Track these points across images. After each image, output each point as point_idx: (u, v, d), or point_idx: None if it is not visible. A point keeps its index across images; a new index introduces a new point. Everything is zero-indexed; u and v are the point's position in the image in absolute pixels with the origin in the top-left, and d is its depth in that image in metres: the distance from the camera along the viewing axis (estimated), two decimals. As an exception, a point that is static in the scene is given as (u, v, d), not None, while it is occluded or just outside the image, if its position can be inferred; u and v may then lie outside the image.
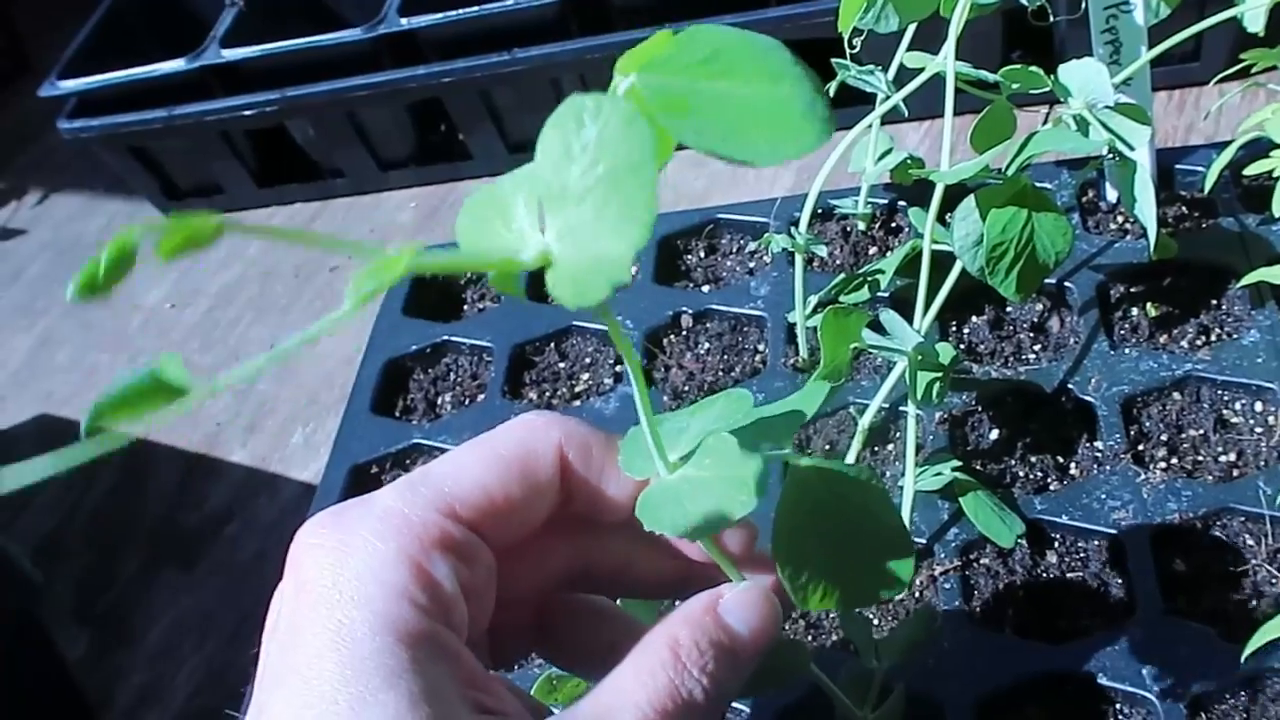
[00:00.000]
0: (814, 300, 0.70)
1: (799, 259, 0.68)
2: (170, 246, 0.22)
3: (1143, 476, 0.59)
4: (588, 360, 0.78)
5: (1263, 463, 0.60)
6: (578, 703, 0.33)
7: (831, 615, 0.59)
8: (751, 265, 0.81)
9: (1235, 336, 0.65)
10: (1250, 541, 0.57)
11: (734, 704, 0.57)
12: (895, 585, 0.38)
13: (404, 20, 0.96)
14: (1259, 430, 0.61)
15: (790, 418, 0.39)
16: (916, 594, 0.59)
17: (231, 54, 1.02)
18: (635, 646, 0.35)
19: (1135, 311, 0.68)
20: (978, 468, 0.64)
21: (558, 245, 0.25)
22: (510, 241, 0.26)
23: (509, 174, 0.28)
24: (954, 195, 0.57)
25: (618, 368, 0.77)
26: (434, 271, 0.25)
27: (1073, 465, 0.63)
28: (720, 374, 0.73)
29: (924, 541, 0.60)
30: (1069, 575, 0.59)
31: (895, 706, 0.50)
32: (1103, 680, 0.53)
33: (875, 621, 0.59)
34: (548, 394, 0.77)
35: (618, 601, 0.58)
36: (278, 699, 0.30)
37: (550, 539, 0.39)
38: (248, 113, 1.03)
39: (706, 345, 0.76)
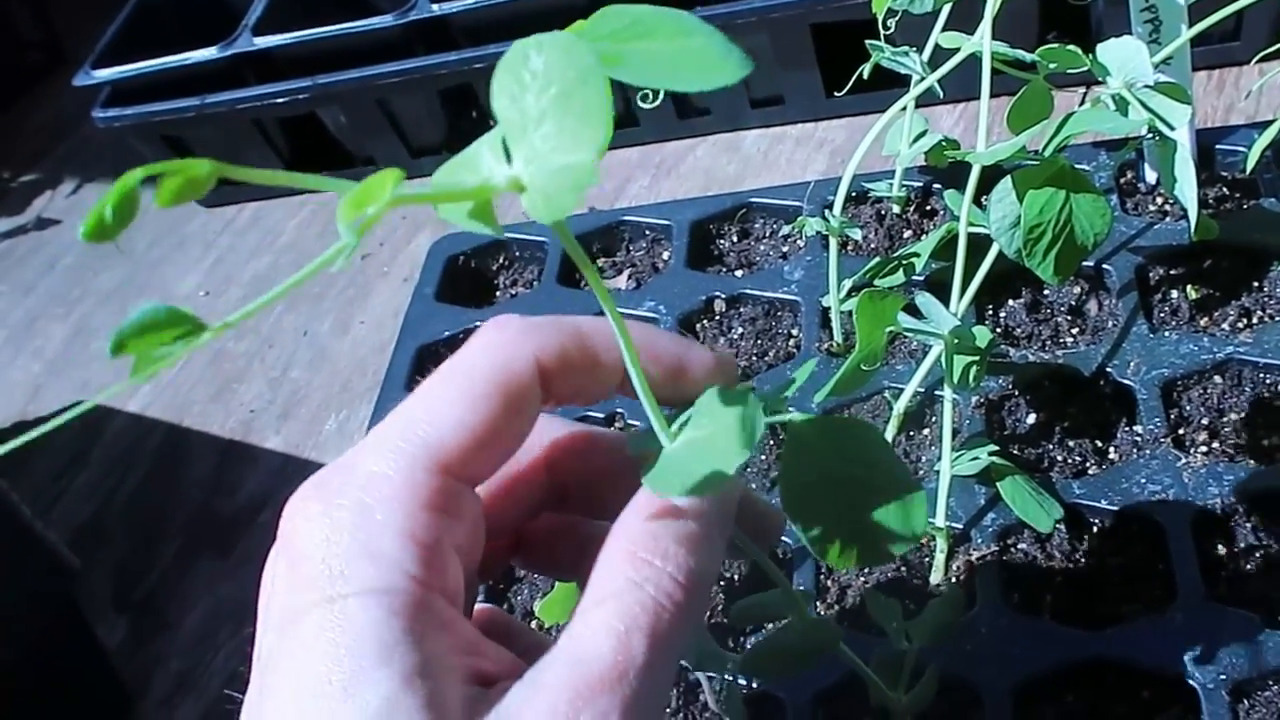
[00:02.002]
0: (848, 284, 0.70)
1: (833, 242, 0.68)
2: (167, 193, 0.23)
3: (1183, 460, 0.59)
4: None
5: (1306, 446, 0.59)
6: (555, 646, 0.32)
7: (860, 599, 0.59)
8: (785, 249, 0.80)
9: (1277, 319, 0.64)
10: (1294, 526, 0.56)
11: (770, 689, 0.57)
12: (909, 532, 0.37)
13: (435, 6, 0.96)
14: (1302, 413, 0.60)
15: (780, 385, 0.40)
16: (955, 578, 0.59)
17: (263, 42, 1.02)
18: (597, 560, 0.33)
19: (1175, 294, 0.67)
20: (1015, 452, 0.63)
21: (525, 169, 0.26)
22: (480, 180, 0.28)
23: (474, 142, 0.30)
24: (990, 177, 0.56)
25: (650, 353, 0.76)
26: (412, 202, 0.26)
27: (1112, 449, 0.62)
28: (754, 359, 0.73)
29: (960, 527, 0.59)
30: (1108, 561, 0.58)
31: (927, 688, 0.50)
32: (1143, 667, 0.53)
33: (910, 605, 0.59)
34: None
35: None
36: (274, 681, 0.30)
37: (531, 468, 0.38)
38: (280, 100, 1.03)
39: (740, 330, 0.76)
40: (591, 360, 0.35)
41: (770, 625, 0.57)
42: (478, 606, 0.41)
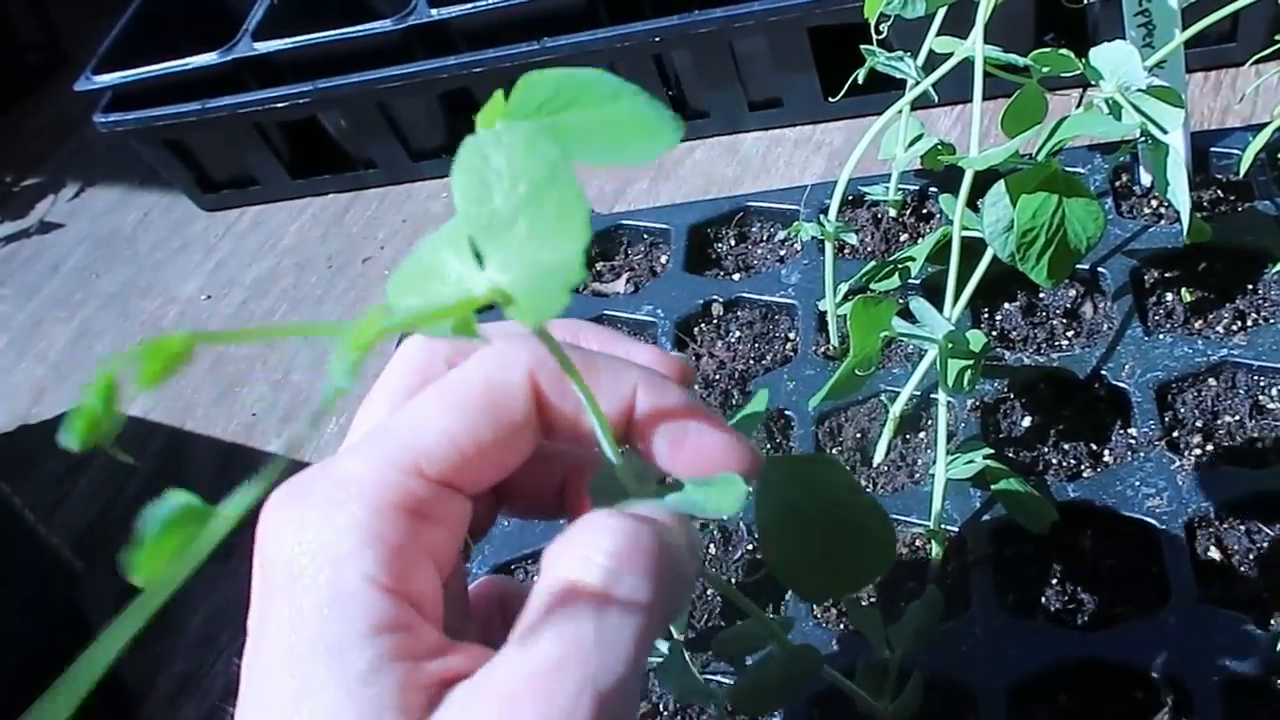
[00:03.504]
0: (845, 288, 0.70)
1: (829, 246, 0.68)
2: (149, 375, 0.23)
3: (1177, 463, 0.59)
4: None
5: (1299, 448, 0.59)
6: (503, 648, 0.30)
7: (841, 609, 0.59)
8: (782, 253, 0.80)
9: (1271, 321, 0.64)
10: (1286, 528, 0.57)
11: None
12: (877, 568, 0.38)
13: (434, 11, 0.96)
14: (1296, 416, 0.61)
15: (747, 421, 0.40)
16: (950, 580, 0.59)
17: (264, 46, 1.02)
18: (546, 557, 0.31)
19: (1170, 296, 0.67)
20: (1010, 455, 0.63)
21: (506, 275, 0.25)
22: (455, 291, 0.27)
23: (421, 243, 0.29)
24: (985, 181, 0.56)
25: (649, 356, 0.77)
26: (400, 330, 0.25)
27: (1106, 452, 0.62)
28: (751, 362, 0.73)
29: (956, 529, 0.60)
30: (1102, 562, 0.58)
31: (913, 694, 0.50)
32: (1136, 668, 0.53)
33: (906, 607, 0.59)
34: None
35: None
36: (246, 692, 0.30)
37: (530, 472, 0.36)
38: (280, 105, 1.03)
39: (737, 334, 0.76)
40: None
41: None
42: (485, 579, 0.40)
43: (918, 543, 0.61)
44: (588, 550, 0.30)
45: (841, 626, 0.59)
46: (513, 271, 0.25)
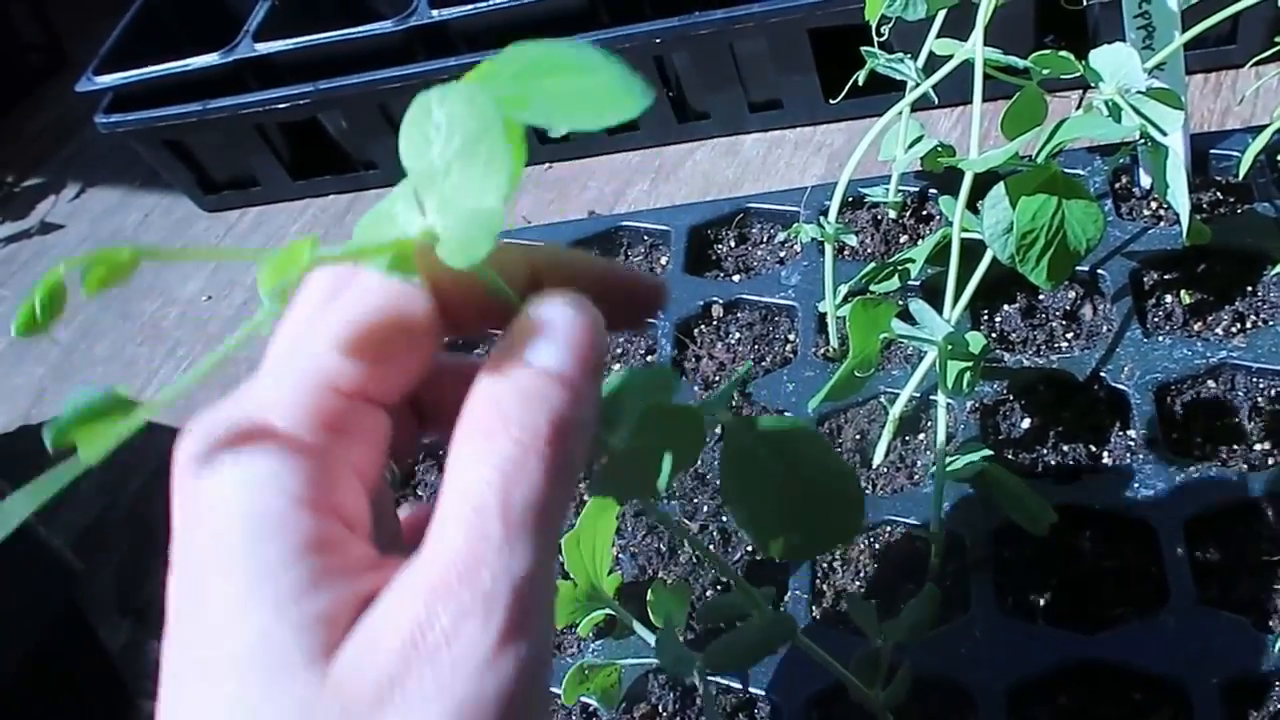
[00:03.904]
0: (845, 289, 0.70)
1: (829, 248, 0.68)
2: (94, 280, 0.24)
3: (1176, 465, 0.59)
4: (619, 351, 0.79)
5: (1299, 450, 0.59)
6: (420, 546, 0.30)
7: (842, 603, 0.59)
8: (782, 254, 0.80)
9: (1270, 323, 0.64)
10: (1285, 530, 0.57)
11: (764, 695, 0.57)
12: (847, 528, 0.38)
13: (435, 12, 0.96)
14: (1295, 418, 0.61)
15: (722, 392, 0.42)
16: (949, 581, 0.59)
17: (264, 47, 1.02)
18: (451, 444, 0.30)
19: (1169, 298, 0.67)
20: (1009, 456, 0.63)
21: (438, 218, 0.27)
22: (396, 233, 0.29)
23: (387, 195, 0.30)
24: (985, 182, 0.56)
25: (649, 358, 0.77)
26: (334, 262, 0.27)
27: (1105, 454, 0.62)
28: (751, 363, 0.73)
29: (955, 530, 0.60)
30: (1101, 564, 0.58)
31: (901, 683, 0.51)
32: (1135, 669, 0.53)
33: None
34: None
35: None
36: (172, 623, 0.30)
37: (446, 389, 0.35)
38: (281, 106, 1.03)
39: (737, 335, 0.76)
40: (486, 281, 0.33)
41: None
42: (418, 505, 0.39)
43: (917, 544, 0.61)
44: (486, 446, 0.29)
45: (839, 627, 0.59)
46: (444, 217, 0.27)
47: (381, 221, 0.29)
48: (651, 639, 0.58)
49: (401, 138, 0.28)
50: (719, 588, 0.63)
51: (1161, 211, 0.72)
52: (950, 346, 0.55)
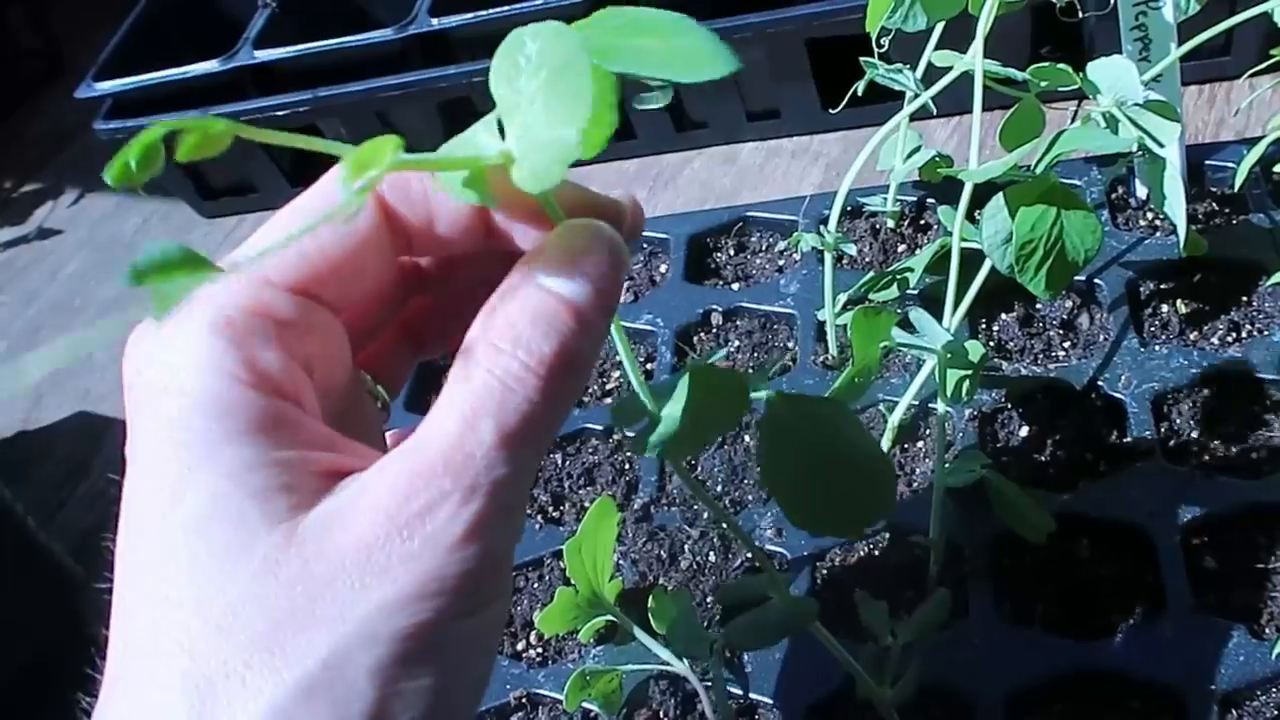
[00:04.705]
0: (843, 298, 0.71)
1: (828, 257, 0.69)
2: (189, 147, 0.25)
3: (1173, 473, 0.59)
4: (619, 358, 0.79)
5: (1294, 459, 0.60)
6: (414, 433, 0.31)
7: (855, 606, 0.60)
8: (781, 263, 0.81)
9: (1266, 333, 0.65)
10: (1281, 538, 0.57)
11: (766, 701, 0.58)
12: (877, 506, 0.40)
13: (435, 20, 0.97)
14: (1290, 427, 0.61)
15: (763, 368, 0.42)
16: (948, 588, 0.59)
17: (264, 55, 1.02)
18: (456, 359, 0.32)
19: (1165, 308, 0.68)
20: (1008, 464, 0.64)
21: (516, 144, 0.28)
22: (474, 153, 0.30)
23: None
24: (983, 192, 0.57)
25: (648, 365, 0.77)
26: (411, 168, 0.28)
27: (1102, 462, 0.63)
28: (750, 372, 0.74)
29: (954, 538, 0.60)
30: (1098, 572, 0.59)
31: (910, 681, 0.52)
32: (1132, 677, 0.53)
33: (904, 615, 0.59)
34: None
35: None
36: (127, 505, 0.31)
37: (402, 289, 0.37)
38: (280, 113, 1.03)
39: (737, 343, 0.76)
40: (432, 194, 0.34)
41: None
42: (398, 430, 0.40)
43: (916, 551, 0.61)
44: (493, 357, 0.30)
45: (839, 631, 0.59)
46: (522, 143, 0.28)
47: (462, 144, 0.30)
48: (653, 645, 0.58)
49: (493, 67, 0.29)
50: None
51: (1158, 222, 0.72)
52: (949, 355, 0.56)
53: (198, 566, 0.29)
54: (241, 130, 0.25)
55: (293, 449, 0.30)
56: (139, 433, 0.31)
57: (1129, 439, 0.62)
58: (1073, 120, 0.57)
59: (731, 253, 0.83)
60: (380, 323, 0.38)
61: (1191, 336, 0.66)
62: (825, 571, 0.63)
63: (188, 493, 0.29)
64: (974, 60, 0.57)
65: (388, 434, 0.40)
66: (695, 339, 0.77)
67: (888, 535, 0.63)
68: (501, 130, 0.29)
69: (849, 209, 0.79)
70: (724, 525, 0.66)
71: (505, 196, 0.30)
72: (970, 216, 0.58)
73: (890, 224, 0.79)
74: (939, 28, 0.64)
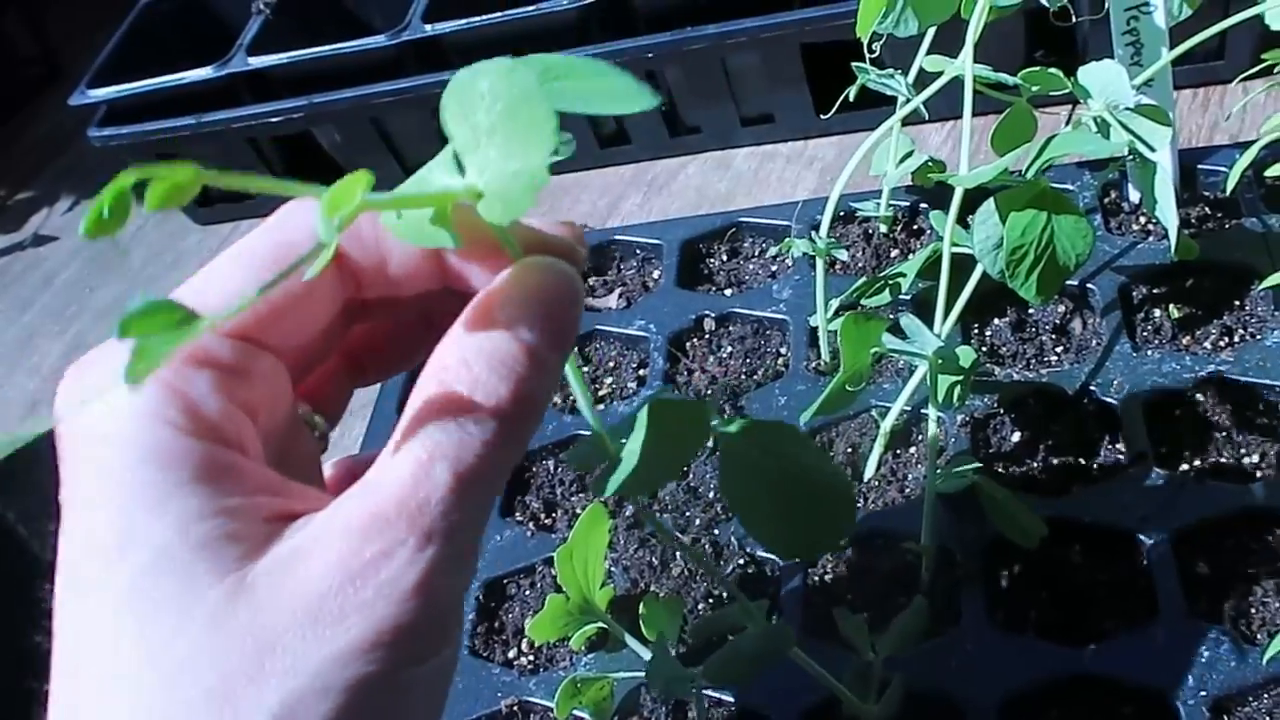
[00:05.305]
0: (836, 303, 0.70)
1: (820, 262, 0.68)
2: (156, 197, 0.25)
3: (1165, 478, 0.59)
4: (611, 364, 0.79)
5: (1287, 464, 0.60)
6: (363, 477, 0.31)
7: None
8: (774, 268, 0.81)
9: (1258, 337, 0.64)
10: (1273, 543, 0.57)
11: (757, 709, 0.57)
12: (840, 527, 0.40)
13: (428, 26, 0.96)
14: (1283, 431, 0.61)
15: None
16: (939, 596, 0.59)
17: (258, 61, 1.02)
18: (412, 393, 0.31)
19: (1158, 313, 0.68)
20: (1000, 470, 0.64)
21: (480, 178, 0.28)
22: (437, 190, 0.30)
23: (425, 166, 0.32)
24: (975, 197, 0.57)
25: (641, 372, 0.77)
26: (378, 208, 0.28)
27: (1095, 467, 0.63)
28: (743, 377, 0.74)
29: (946, 544, 0.60)
30: (1091, 577, 0.59)
31: (894, 697, 0.52)
32: (1125, 683, 0.53)
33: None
34: (571, 398, 0.77)
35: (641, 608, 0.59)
36: (65, 559, 0.30)
37: (344, 320, 0.36)
38: (275, 119, 1.03)
39: (729, 349, 0.76)
40: (386, 233, 0.34)
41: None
42: (339, 460, 0.40)
43: (908, 557, 0.61)
44: (448, 399, 0.30)
45: (830, 641, 0.59)
46: (487, 175, 0.28)
47: (418, 186, 0.30)
48: (644, 652, 0.58)
49: (444, 106, 0.29)
50: (711, 600, 0.64)
51: (1150, 226, 0.72)
52: (941, 360, 0.56)
53: (145, 621, 0.28)
54: (210, 178, 0.25)
55: (238, 497, 0.30)
56: (77, 482, 0.30)
57: (1121, 444, 0.62)
58: (1065, 125, 0.57)
59: (724, 258, 0.83)
60: (321, 355, 0.37)
61: (1184, 341, 0.66)
62: (816, 578, 0.62)
63: (132, 545, 0.29)
64: (965, 65, 0.57)
65: (330, 464, 0.40)
66: (688, 344, 0.77)
67: (880, 541, 0.63)
68: (460, 168, 0.29)
69: (842, 214, 0.79)
70: (715, 532, 0.66)
71: (466, 235, 0.30)
72: (962, 221, 0.58)
73: (883, 229, 0.79)
74: (930, 32, 0.64)
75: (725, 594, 0.64)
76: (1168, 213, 0.59)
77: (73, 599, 0.30)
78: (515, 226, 0.33)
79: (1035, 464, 0.64)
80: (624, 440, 0.36)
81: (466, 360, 0.30)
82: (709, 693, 0.58)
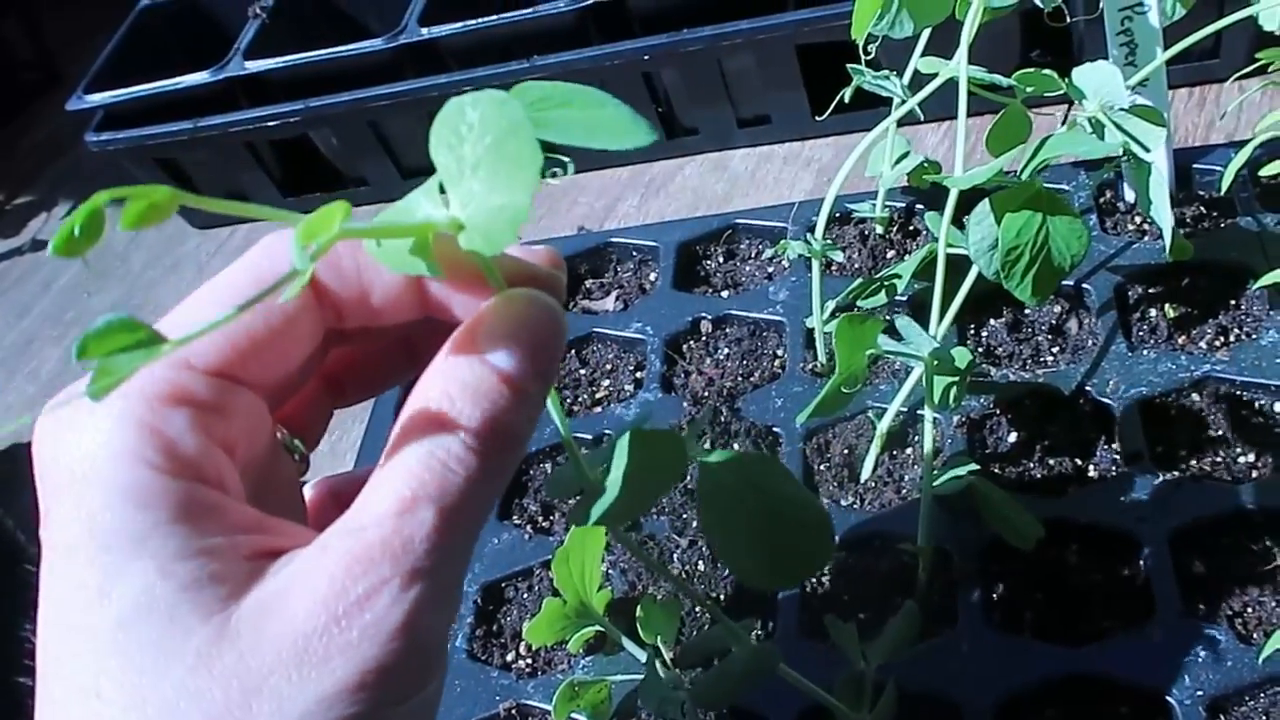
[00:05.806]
0: (832, 305, 0.70)
1: (816, 264, 0.69)
2: (130, 217, 0.24)
3: (1161, 478, 0.59)
4: (609, 367, 0.79)
5: (1282, 463, 0.60)
6: (345, 514, 0.30)
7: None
8: (770, 270, 0.81)
9: (1254, 337, 0.65)
10: (1269, 543, 0.57)
11: (756, 710, 0.57)
12: (817, 558, 0.40)
13: (424, 30, 0.97)
14: (1278, 431, 0.61)
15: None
16: (936, 596, 0.59)
17: (255, 66, 1.02)
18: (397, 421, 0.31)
19: (1153, 312, 0.68)
20: (996, 470, 0.64)
21: (463, 210, 0.28)
22: (420, 220, 0.30)
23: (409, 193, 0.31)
24: (970, 198, 0.57)
25: (638, 374, 0.77)
26: (358, 236, 0.28)
27: (1091, 467, 0.63)
28: (739, 379, 0.74)
29: (942, 545, 0.60)
30: (1087, 578, 0.59)
31: (888, 703, 0.51)
32: (1122, 683, 0.53)
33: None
34: (569, 400, 0.77)
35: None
36: (47, 598, 0.30)
37: (324, 346, 0.36)
38: (272, 124, 1.03)
39: (726, 350, 0.76)
40: (368, 265, 0.34)
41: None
42: (318, 481, 0.40)
43: (905, 559, 0.61)
44: (430, 433, 0.30)
45: (827, 647, 0.59)
46: (470, 208, 0.28)
47: (402, 213, 0.30)
48: (642, 655, 0.58)
49: (433, 135, 0.29)
50: (710, 601, 0.63)
51: (1145, 226, 0.72)
52: (937, 361, 0.56)
53: (130, 664, 0.28)
54: (185, 199, 0.25)
55: (219, 535, 0.30)
56: (59, 523, 0.30)
57: (1117, 444, 0.62)
58: (1060, 125, 0.57)
59: (721, 260, 0.83)
60: (300, 383, 0.37)
61: (1180, 340, 0.66)
62: (815, 582, 0.62)
63: (115, 587, 0.28)
64: (959, 67, 0.57)
65: (311, 485, 0.40)
66: (685, 347, 0.77)
67: (877, 543, 0.63)
68: (445, 198, 0.29)
69: (838, 215, 0.79)
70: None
71: (448, 265, 0.30)
72: (958, 222, 0.58)
73: (879, 230, 0.79)
74: (926, 34, 0.64)
75: (719, 599, 0.64)
76: (1163, 213, 0.59)
77: (54, 640, 0.30)
78: (498, 256, 0.33)
79: (1032, 464, 0.64)
80: (602, 467, 0.36)
81: (449, 394, 0.30)
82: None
